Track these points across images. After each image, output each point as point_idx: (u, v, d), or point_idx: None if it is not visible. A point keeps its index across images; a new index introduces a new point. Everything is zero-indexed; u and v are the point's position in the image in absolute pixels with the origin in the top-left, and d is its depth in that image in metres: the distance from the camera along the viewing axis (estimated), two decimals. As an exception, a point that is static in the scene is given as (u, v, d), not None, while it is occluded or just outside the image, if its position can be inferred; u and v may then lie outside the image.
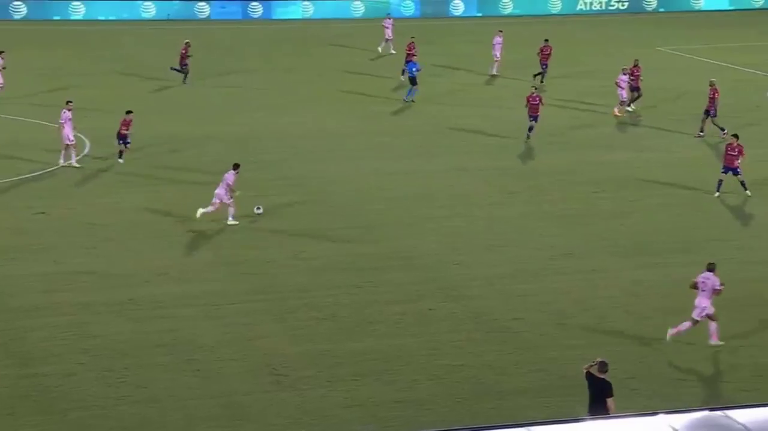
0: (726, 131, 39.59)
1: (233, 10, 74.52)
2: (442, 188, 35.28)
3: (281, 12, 75.15)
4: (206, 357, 23.16)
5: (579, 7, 77.90)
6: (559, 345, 23.90)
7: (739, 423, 14.65)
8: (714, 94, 41.21)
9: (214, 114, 44.92)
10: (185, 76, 50.71)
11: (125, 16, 72.56)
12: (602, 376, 18.72)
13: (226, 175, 31.44)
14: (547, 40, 51.31)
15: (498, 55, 52.92)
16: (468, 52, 58.51)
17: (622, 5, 78.36)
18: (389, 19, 60.42)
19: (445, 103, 47.13)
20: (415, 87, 46.55)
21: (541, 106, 40.24)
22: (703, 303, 23.26)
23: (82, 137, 39.41)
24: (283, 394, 21.72)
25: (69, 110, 36.99)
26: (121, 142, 37.20)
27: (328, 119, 44.51)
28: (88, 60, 57.06)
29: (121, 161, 37.19)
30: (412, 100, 46.45)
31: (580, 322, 25.12)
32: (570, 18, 74.74)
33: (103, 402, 21.31)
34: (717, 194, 34.17)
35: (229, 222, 31.29)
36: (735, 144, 34.09)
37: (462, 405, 21.37)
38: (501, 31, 53.80)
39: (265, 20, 73.33)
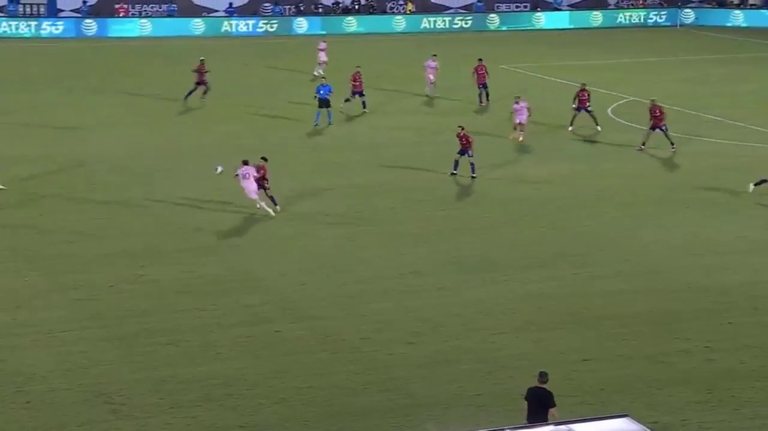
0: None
1: (66, 28, 72.40)
2: (288, 206, 34.62)
3: (117, 29, 73.39)
4: (37, 388, 21.90)
5: (423, 26, 78.55)
6: (407, 364, 23.49)
7: (582, 437, 14.63)
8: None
9: (43, 133, 43.47)
10: (204, 93, 49.83)
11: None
12: (543, 386, 18.58)
13: (244, 172, 32.76)
14: (480, 60, 51.11)
15: (432, 78, 52.35)
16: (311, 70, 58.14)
17: (465, 23, 79.38)
18: (323, 42, 58.71)
19: (304, 121, 46.67)
20: (327, 110, 46.02)
21: (470, 144, 38.22)
22: None
23: None
24: (120, 423, 20.68)
25: None
26: None
27: (173, 137, 43.52)
28: None
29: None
30: (316, 124, 45.95)
31: (428, 340, 24.77)
32: (414, 36, 75.25)
33: (-76, 440, 19.94)
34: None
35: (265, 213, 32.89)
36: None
37: (309, 427, 20.77)
38: (435, 56, 53.25)
39: (100, 38, 71.60)
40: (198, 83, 49.93)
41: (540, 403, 18.52)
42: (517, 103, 43.70)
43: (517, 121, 43.51)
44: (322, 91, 46.31)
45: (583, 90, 45.74)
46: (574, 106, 45.46)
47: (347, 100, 48.44)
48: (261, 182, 33.62)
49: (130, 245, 30.59)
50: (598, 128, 45.30)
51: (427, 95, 52.68)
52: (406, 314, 26.22)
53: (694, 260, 30.34)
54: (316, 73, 56.82)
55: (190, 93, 49.83)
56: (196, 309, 26.20)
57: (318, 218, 33.61)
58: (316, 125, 46.09)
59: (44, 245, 30.63)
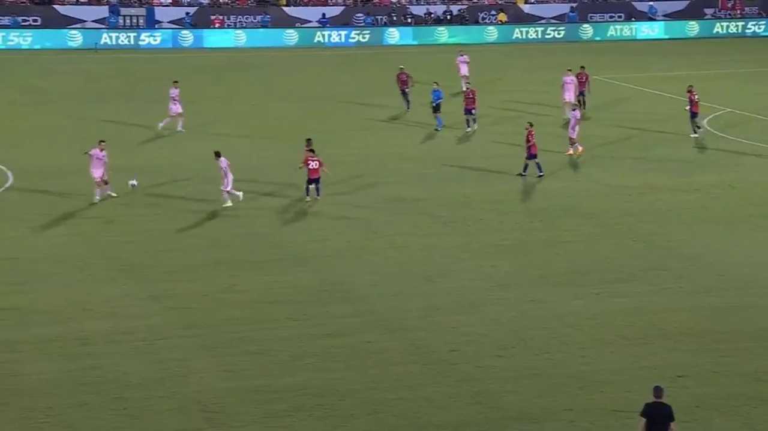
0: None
1: (163, 39, 73.76)
2: (379, 217, 34.81)
3: (212, 40, 74.53)
4: (134, 395, 22.35)
5: (515, 36, 78.31)
6: (496, 377, 23.46)
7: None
8: (693, 96, 43.70)
9: (132, 145, 44.29)
10: (407, 104, 51.11)
11: (49, 45, 71.48)
12: (661, 401, 18.58)
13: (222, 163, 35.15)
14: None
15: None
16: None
17: (558, 33, 78.94)
18: (463, 54, 57.87)
19: (383, 129, 46.86)
20: (438, 115, 47.35)
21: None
22: None
23: (4, 168, 38.60)
24: (215, 432, 21.01)
25: None
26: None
27: (263, 148, 44.00)
28: (7, 91, 56.17)
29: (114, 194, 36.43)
30: (436, 129, 46.95)
31: (518, 353, 24.71)
32: (505, 47, 75.06)
33: (27, 443, 20.47)
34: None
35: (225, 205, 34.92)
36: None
37: (399, 440, 20.84)
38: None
39: (196, 48, 72.75)
40: (402, 91, 51.08)
41: (665, 418, 18.44)
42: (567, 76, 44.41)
43: (566, 99, 43.86)
44: (435, 97, 47.23)
45: (690, 92, 45.58)
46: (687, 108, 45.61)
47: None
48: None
49: (222, 255, 31.04)
50: (695, 135, 44.97)
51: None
52: (495, 326, 26.18)
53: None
54: (464, 88, 56.17)
55: (407, 102, 50.87)
56: (288, 319, 26.49)
57: (407, 230, 33.73)
58: (437, 130, 47.19)
59: (139, 254, 31.23)
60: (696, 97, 45.26)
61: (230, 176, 35.24)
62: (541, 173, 39.26)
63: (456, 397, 22.53)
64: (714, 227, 34.10)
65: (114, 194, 36.22)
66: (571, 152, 42.51)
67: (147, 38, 73.48)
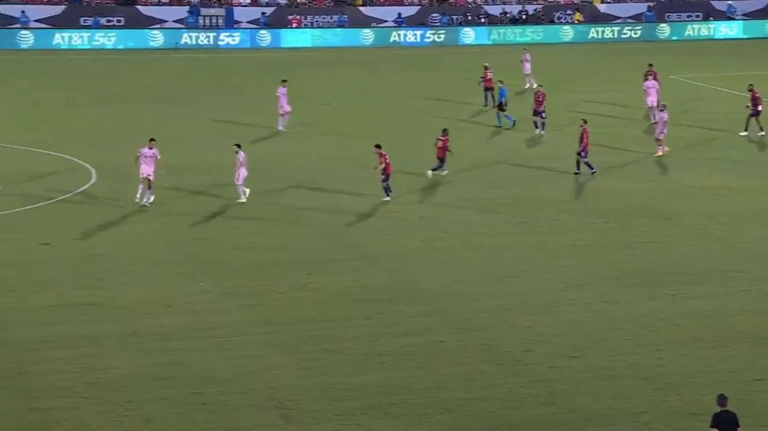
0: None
1: (241, 38, 74.60)
2: (451, 217, 34.93)
3: (289, 40, 75.19)
4: (212, 391, 22.74)
5: (591, 36, 77.84)
6: (571, 378, 23.46)
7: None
8: (753, 96, 43.34)
9: (207, 143, 44.80)
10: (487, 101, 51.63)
11: (131, 44, 72.65)
12: (727, 409, 18.53)
13: (239, 157, 35.45)
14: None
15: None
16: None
17: (635, 33, 78.31)
18: (527, 52, 58.62)
19: (458, 129, 46.80)
20: (505, 112, 47.60)
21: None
22: None
23: (89, 166, 39.35)
24: (290, 428, 21.30)
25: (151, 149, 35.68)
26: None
27: (335, 148, 44.32)
28: (94, 90, 57.23)
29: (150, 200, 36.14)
30: (514, 122, 47.38)
31: (592, 354, 24.68)
32: (582, 46, 74.65)
33: (107, 436, 20.95)
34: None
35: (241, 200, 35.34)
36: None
37: (472, 439, 20.96)
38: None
39: (274, 48, 73.41)
40: (486, 89, 51.41)
41: (732, 424, 18.37)
42: (647, 80, 43.98)
43: (649, 104, 43.54)
44: (500, 95, 47.53)
45: (751, 91, 45.03)
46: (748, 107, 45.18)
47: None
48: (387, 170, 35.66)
49: (297, 254, 31.38)
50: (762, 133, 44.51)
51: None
52: (569, 327, 26.17)
53: None
54: (527, 85, 56.38)
55: (486, 101, 51.31)
56: (361, 317, 26.74)
57: (480, 229, 33.81)
58: (499, 126, 47.58)
59: (217, 251, 31.68)
60: (758, 95, 44.77)
61: (243, 172, 35.59)
62: (593, 170, 39.39)
63: (529, 397, 22.58)
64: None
65: (148, 202, 35.62)
66: (660, 153, 42.22)
67: (226, 38, 74.35)
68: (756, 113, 44.98)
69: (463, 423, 21.55)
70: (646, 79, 48.79)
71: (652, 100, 46.87)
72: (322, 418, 21.65)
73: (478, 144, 45.46)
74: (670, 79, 57.53)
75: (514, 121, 47.46)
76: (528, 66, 55.87)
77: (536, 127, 46.32)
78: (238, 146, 36.12)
